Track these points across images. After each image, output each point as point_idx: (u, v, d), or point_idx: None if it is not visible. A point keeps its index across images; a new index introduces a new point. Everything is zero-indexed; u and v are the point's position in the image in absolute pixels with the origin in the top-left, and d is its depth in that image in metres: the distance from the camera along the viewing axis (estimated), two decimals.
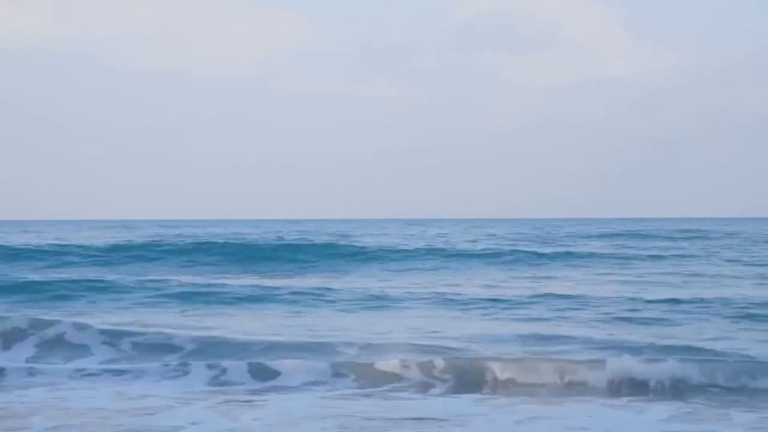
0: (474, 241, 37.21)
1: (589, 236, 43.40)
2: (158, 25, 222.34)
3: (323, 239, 33.44)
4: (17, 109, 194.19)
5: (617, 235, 44.69)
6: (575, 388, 8.65)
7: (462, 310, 14.48)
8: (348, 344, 10.39)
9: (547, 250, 29.53)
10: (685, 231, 47.95)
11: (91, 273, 21.20)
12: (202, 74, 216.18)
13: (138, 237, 38.06)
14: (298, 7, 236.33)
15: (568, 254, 27.64)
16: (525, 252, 27.80)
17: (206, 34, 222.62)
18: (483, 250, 29.38)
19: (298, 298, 15.88)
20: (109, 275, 20.15)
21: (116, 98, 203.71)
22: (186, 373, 9.16)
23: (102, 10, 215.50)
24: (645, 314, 13.62)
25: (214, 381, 8.94)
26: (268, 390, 8.66)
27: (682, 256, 27.71)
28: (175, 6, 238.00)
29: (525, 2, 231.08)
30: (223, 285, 17.70)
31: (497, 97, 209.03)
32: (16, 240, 35.27)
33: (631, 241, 38.07)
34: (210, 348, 10.36)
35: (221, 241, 30.20)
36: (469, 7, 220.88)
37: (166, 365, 9.48)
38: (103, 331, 11.07)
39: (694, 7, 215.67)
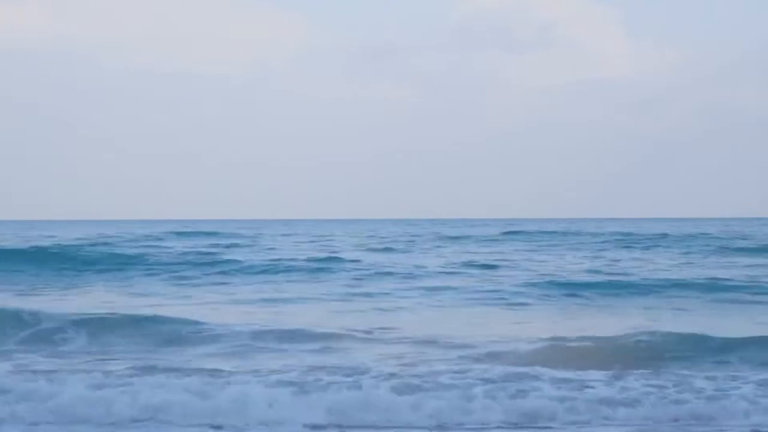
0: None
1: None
2: (158, 25, 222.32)
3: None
4: (17, 109, 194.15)
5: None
6: None
7: None
8: None
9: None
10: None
11: None
12: (201, 74, 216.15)
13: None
14: (297, 7, 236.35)
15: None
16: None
17: (206, 34, 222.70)
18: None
19: None
20: None
21: (116, 98, 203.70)
22: None
23: (102, 10, 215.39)
24: None
25: None
26: None
27: None
28: (174, 6, 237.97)
29: (524, 2, 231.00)
30: None
31: (497, 97, 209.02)
32: None
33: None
34: None
35: None
36: (469, 8, 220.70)
37: None
38: None
39: (694, 7, 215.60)
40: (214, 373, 8.82)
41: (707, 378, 8.74)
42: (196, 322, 12.16)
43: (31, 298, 16.73)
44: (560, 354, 9.76)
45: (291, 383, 8.28)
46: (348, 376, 8.60)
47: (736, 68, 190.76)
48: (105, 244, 32.35)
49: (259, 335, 11.34)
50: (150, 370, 9.10)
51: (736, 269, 22.68)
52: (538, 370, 8.93)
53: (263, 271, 22.40)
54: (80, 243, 31.73)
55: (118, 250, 27.76)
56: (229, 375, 8.72)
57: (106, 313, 12.78)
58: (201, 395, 7.79)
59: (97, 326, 11.94)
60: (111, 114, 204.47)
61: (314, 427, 7.29)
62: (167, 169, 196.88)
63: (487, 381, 8.44)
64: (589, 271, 22.07)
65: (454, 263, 25.03)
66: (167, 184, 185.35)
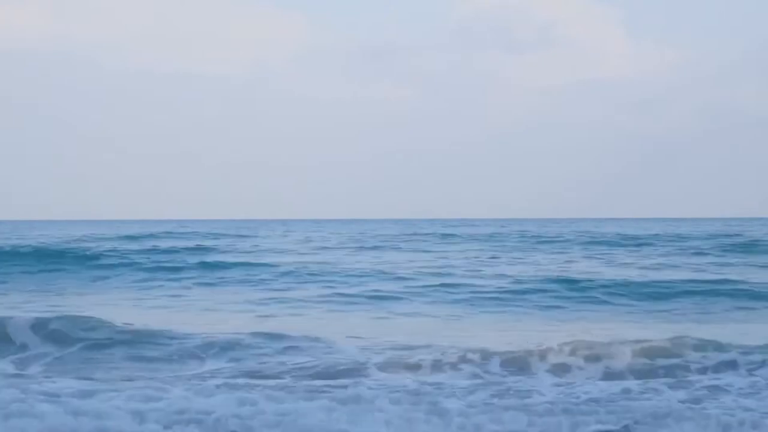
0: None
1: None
2: (158, 25, 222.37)
3: None
4: (17, 109, 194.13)
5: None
6: None
7: None
8: None
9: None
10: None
11: None
12: (201, 74, 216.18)
13: None
14: (297, 7, 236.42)
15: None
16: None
17: (206, 34, 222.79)
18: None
19: None
20: None
21: (116, 98, 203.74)
22: None
23: (102, 10, 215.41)
24: None
25: None
26: None
27: None
28: (174, 6, 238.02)
29: (524, 2, 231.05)
30: None
31: (497, 97, 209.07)
32: None
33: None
34: None
35: None
36: (469, 8, 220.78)
37: None
38: None
39: (694, 7, 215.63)
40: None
41: (706, 377, 8.67)
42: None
43: None
44: (559, 354, 9.66)
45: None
46: (342, 381, 8.43)
47: (736, 68, 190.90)
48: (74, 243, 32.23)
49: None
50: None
51: (732, 268, 22.66)
52: (536, 370, 8.85)
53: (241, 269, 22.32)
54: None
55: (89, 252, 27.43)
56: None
57: None
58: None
59: None
60: (111, 114, 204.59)
61: None
62: (167, 169, 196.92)
63: (485, 383, 8.35)
64: (588, 270, 22.00)
65: (453, 262, 24.97)
66: (167, 184, 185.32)
